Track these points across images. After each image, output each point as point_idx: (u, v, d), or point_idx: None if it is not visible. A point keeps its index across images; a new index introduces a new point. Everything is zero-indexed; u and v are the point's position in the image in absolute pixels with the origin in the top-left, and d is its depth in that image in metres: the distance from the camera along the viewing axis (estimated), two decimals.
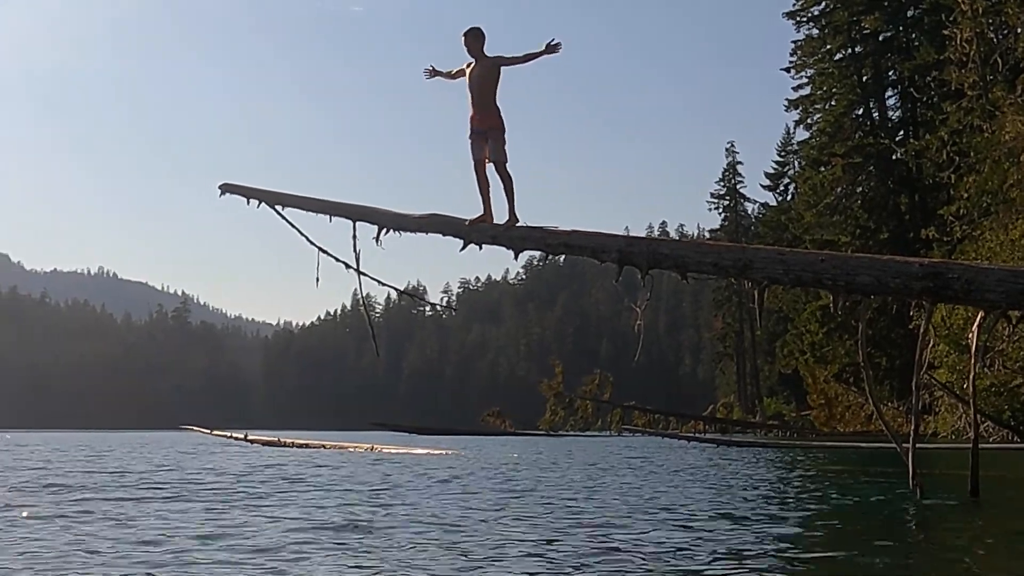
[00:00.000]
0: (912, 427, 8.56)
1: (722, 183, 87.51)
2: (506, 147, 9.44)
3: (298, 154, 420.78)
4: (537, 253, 9.10)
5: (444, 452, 24.69)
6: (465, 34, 10.32)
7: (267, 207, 8.97)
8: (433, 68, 10.48)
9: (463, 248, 8.47)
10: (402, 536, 6.40)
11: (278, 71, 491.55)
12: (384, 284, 9.07)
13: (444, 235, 8.51)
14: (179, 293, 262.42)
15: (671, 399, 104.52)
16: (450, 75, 10.48)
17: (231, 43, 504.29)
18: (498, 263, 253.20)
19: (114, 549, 5.98)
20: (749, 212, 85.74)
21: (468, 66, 10.16)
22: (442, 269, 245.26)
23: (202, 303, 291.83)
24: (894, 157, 52.03)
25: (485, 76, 9.82)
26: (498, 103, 9.81)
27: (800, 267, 7.90)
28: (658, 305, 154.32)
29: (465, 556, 5.43)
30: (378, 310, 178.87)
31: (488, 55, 10.42)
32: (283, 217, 8.92)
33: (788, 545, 6.31)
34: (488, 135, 9.58)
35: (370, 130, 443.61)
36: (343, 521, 7.38)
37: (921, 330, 8.23)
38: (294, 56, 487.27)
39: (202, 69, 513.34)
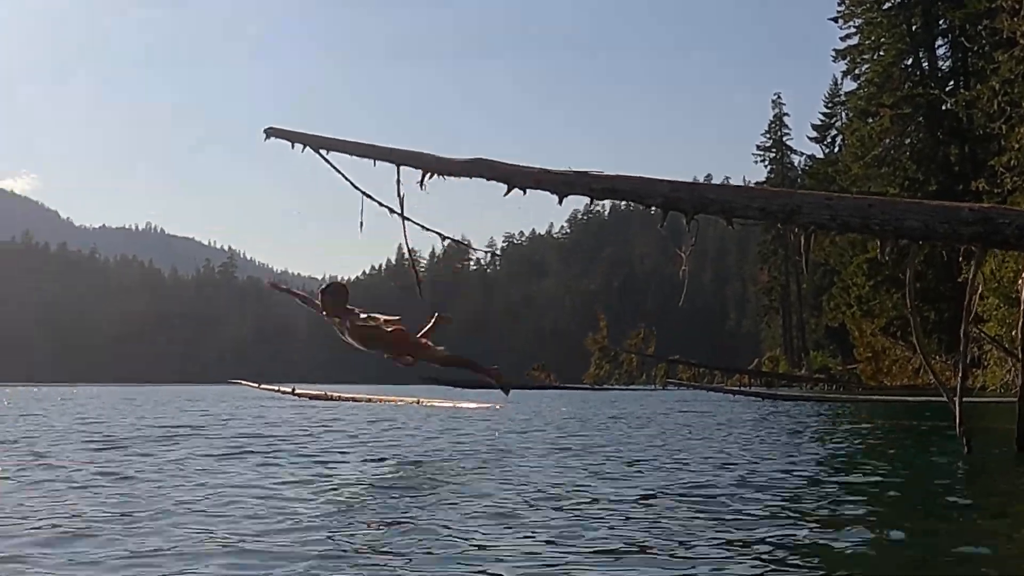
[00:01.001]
0: (959, 377, 8.43)
1: (768, 135, 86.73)
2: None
3: (341, 108, 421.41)
4: (581, 207, 9.05)
5: (493, 405, 24.78)
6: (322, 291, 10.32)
7: (311, 151, 8.95)
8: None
9: (507, 192, 8.41)
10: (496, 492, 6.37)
11: (323, 22, 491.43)
12: (428, 229, 9.05)
13: (487, 179, 8.45)
14: (226, 248, 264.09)
15: (716, 353, 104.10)
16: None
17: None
18: (542, 217, 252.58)
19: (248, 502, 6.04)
20: (795, 164, 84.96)
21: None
22: (486, 224, 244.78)
23: (248, 258, 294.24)
24: (944, 107, 51.27)
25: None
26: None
27: (848, 212, 7.80)
28: (703, 259, 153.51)
29: (568, 515, 5.33)
30: (423, 264, 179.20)
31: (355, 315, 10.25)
32: (327, 161, 8.92)
33: (833, 498, 6.27)
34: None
35: (399, 87, 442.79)
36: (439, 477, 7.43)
37: (970, 277, 8.10)
38: (334, 9, 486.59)
39: (243, 22, 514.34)
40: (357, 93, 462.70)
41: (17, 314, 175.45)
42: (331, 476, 7.46)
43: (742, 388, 42.28)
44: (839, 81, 71.66)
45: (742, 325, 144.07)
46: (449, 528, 5.02)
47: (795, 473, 7.62)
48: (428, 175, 8.63)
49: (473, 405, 24.69)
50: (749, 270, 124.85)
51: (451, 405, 25.48)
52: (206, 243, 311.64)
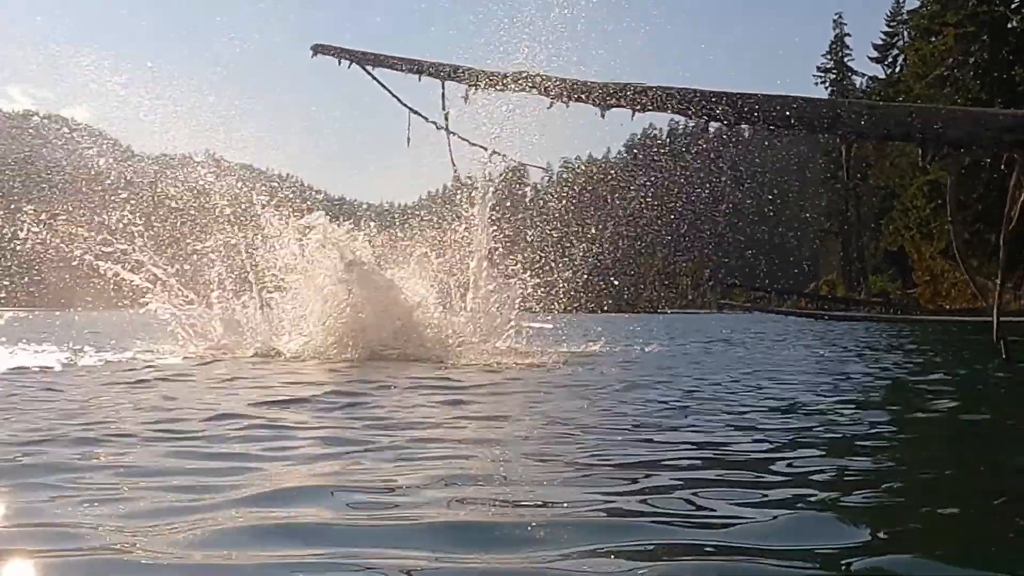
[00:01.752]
0: (998, 284, 8.45)
1: (829, 56, 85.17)
2: None
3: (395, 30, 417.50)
4: (639, 131, 9.10)
5: (551, 326, 24.94)
6: None
7: (358, 68, 9.10)
8: None
9: (550, 105, 8.52)
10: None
11: None
12: (473, 144, 9.18)
13: (529, 91, 8.55)
14: (284, 175, 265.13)
15: (773, 277, 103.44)
16: None
17: None
18: (599, 141, 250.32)
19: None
20: (857, 86, 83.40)
21: None
22: (542, 151, 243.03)
23: (306, 184, 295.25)
24: (1009, 25, 50.03)
25: None
26: None
27: (889, 120, 7.82)
28: (761, 183, 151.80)
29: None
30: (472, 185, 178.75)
31: None
32: (374, 77, 9.06)
33: (874, 416, 6.34)
34: None
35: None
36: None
37: (1011, 185, 8.10)
38: None
39: None
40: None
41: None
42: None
43: (797, 310, 42.21)
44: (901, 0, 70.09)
45: (801, 250, 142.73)
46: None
47: (838, 392, 7.70)
48: (472, 89, 8.75)
49: (535, 325, 24.87)
50: (808, 193, 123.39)
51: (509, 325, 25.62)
52: (264, 169, 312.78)
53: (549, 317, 28.15)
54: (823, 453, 4.37)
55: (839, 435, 4.97)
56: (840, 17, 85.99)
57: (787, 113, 7.96)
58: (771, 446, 4.55)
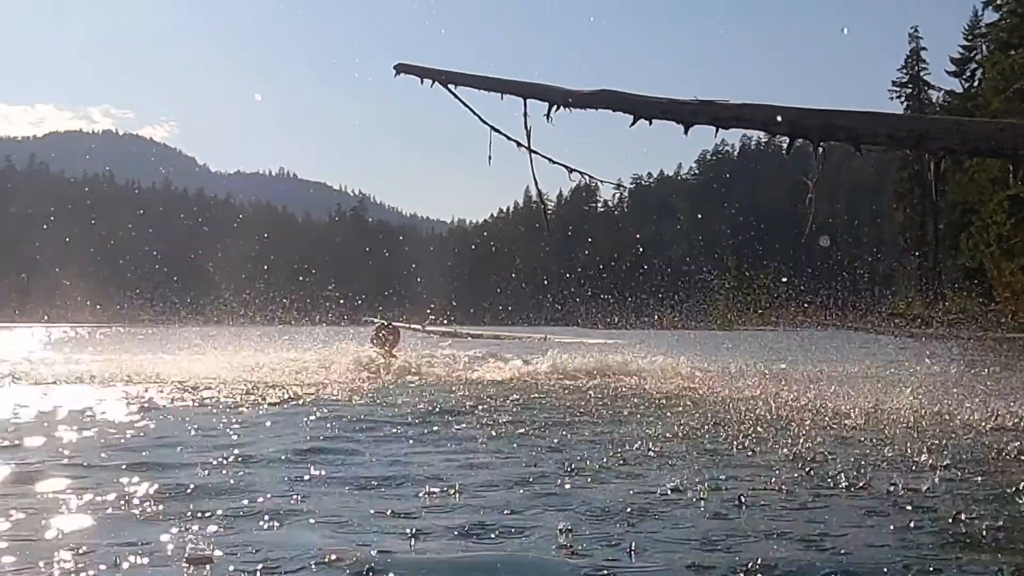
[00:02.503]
0: None
1: (905, 70, 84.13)
2: None
3: (461, 45, 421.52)
4: (710, 148, 9.06)
5: (619, 343, 24.95)
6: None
7: (440, 87, 9.13)
8: None
9: (633, 123, 8.48)
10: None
11: None
12: (555, 162, 9.18)
13: (614, 111, 8.52)
14: (356, 192, 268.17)
15: (849, 294, 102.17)
16: None
17: None
18: (670, 158, 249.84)
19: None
20: (933, 100, 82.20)
21: None
22: (614, 167, 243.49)
23: (378, 202, 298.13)
24: None
25: None
26: None
27: (978, 136, 7.67)
28: (837, 199, 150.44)
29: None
30: (551, 207, 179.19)
31: None
32: (456, 96, 9.08)
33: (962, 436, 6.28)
34: None
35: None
36: None
37: None
38: None
39: None
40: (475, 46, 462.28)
41: (159, 256, 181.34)
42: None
43: (875, 327, 41.61)
44: (980, 12, 68.97)
45: (877, 266, 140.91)
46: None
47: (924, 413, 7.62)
48: (555, 107, 8.73)
49: (600, 341, 24.89)
50: (884, 210, 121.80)
51: (577, 341, 25.72)
52: (337, 187, 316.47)
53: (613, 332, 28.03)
54: None
55: None
56: (916, 31, 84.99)
57: (876, 130, 7.86)
58: None
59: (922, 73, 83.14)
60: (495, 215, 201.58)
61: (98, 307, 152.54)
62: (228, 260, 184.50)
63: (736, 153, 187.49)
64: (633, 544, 3.58)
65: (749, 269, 77.47)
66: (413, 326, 39.05)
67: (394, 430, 6.55)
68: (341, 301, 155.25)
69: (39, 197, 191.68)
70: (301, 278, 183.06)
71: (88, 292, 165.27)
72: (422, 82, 9.14)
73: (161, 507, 4.00)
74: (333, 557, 3.34)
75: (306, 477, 4.97)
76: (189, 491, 4.44)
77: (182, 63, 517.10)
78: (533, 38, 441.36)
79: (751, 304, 68.00)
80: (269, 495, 4.35)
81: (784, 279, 71.87)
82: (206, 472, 5.00)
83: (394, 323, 45.29)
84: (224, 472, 5.01)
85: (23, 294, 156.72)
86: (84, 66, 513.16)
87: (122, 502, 4.20)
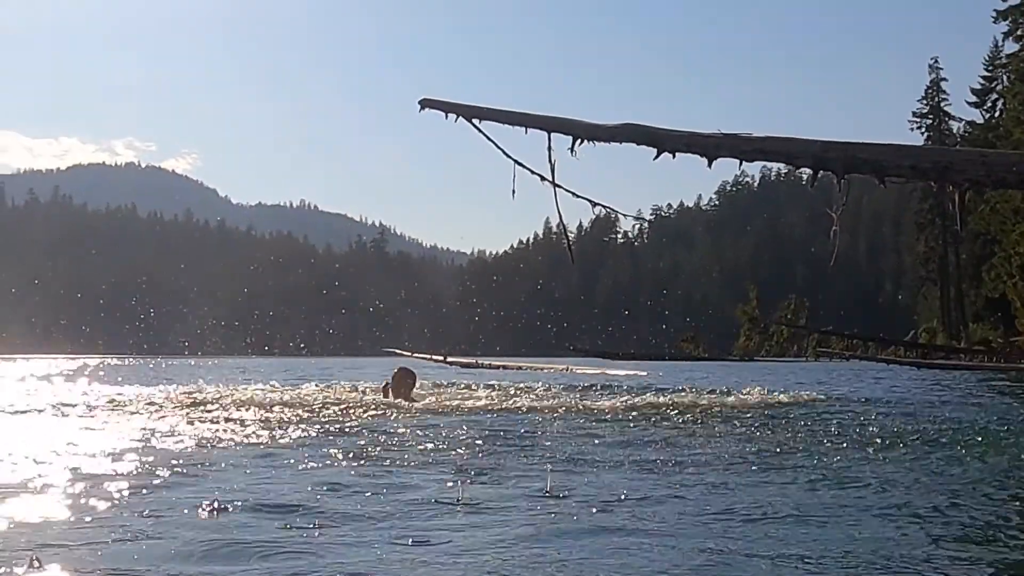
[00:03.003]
0: None
1: (925, 101, 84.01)
2: None
3: (495, 80, 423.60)
4: (730, 178, 9.08)
5: (644, 373, 24.89)
6: None
7: (464, 121, 9.20)
8: None
9: (656, 156, 8.52)
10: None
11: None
12: (579, 196, 9.22)
13: (638, 144, 8.57)
14: (377, 224, 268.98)
15: (870, 326, 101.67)
16: None
17: None
18: (690, 189, 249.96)
19: None
20: (954, 131, 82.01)
21: None
22: (634, 197, 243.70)
23: (399, 233, 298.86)
24: None
25: None
26: None
27: (1003, 167, 7.70)
28: (857, 230, 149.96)
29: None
30: (571, 238, 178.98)
31: None
32: (480, 131, 9.14)
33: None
34: None
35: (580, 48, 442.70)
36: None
37: None
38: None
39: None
40: (499, 70, 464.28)
41: (180, 288, 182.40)
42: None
43: (897, 358, 41.41)
44: (1000, 43, 68.89)
45: (898, 297, 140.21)
46: None
47: (950, 447, 7.59)
48: (578, 141, 8.79)
49: (622, 373, 24.85)
50: (905, 240, 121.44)
51: (600, 372, 25.68)
52: (358, 219, 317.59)
53: (633, 364, 27.96)
54: None
55: None
56: (936, 62, 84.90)
57: (899, 161, 7.88)
58: None
59: (943, 104, 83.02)
60: (515, 246, 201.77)
61: (102, 341, 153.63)
62: (249, 291, 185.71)
63: (756, 184, 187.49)
64: None
65: (770, 300, 77.08)
66: (434, 357, 39.07)
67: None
68: (375, 332, 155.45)
69: (62, 229, 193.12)
70: (321, 309, 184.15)
71: (117, 322, 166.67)
72: (446, 116, 9.22)
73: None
74: None
75: None
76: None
77: (204, 96, 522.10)
78: (560, 73, 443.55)
79: (773, 335, 67.75)
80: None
81: (806, 309, 71.74)
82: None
83: (416, 354, 45.36)
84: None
85: (48, 325, 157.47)
86: (108, 99, 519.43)
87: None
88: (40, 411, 11.36)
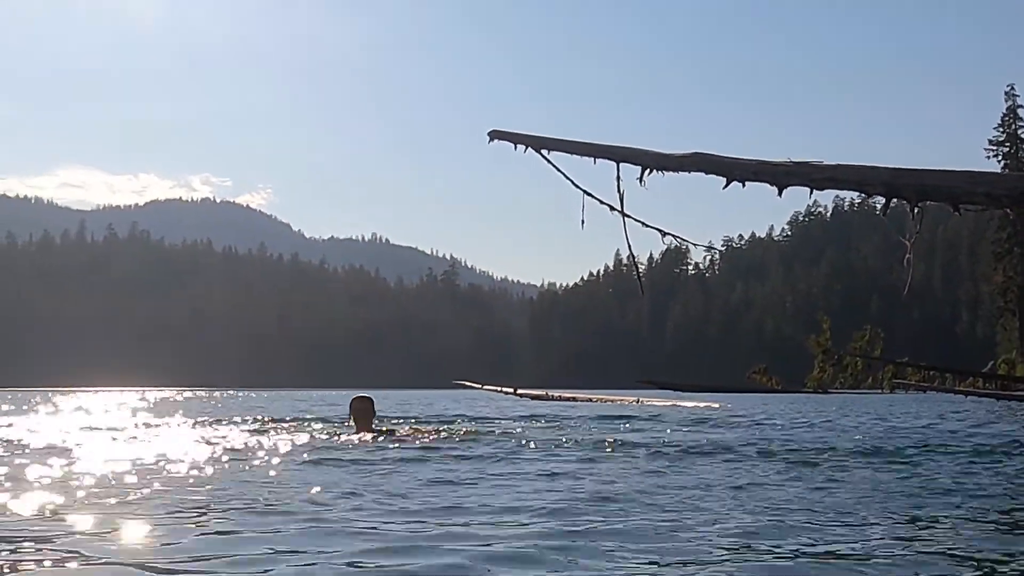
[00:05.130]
0: None
1: (1001, 129, 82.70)
2: None
3: (570, 113, 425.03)
4: (803, 209, 9.00)
5: (716, 405, 24.68)
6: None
7: (533, 152, 9.25)
8: None
9: (726, 186, 8.49)
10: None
11: (547, 26, 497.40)
12: (648, 226, 9.20)
13: (707, 174, 8.54)
14: (447, 257, 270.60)
15: (947, 357, 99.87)
16: None
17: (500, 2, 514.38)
18: (762, 220, 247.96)
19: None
20: None
21: None
22: (705, 228, 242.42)
23: (469, 266, 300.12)
24: None
25: None
26: None
27: None
28: (932, 260, 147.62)
29: None
30: (641, 269, 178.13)
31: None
32: (549, 161, 9.19)
33: None
34: None
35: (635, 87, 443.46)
36: None
37: None
38: (561, 17, 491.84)
39: (459, 33, 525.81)
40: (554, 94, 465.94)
41: (256, 322, 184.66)
42: None
43: (976, 390, 40.60)
44: None
45: (975, 328, 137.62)
46: None
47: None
48: (647, 171, 8.79)
49: (690, 404, 24.67)
50: (982, 270, 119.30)
51: (671, 404, 25.53)
52: (429, 252, 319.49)
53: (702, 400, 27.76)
54: None
55: None
56: (1012, 89, 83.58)
57: (974, 189, 7.78)
58: None
59: (1019, 131, 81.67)
60: (585, 278, 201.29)
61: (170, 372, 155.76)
62: (322, 323, 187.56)
63: (829, 214, 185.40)
64: None
65: (843, 331, 76.02)
66: (505, 389, 39.08)
67: None
68: (446, 364, 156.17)
69: (140, 264, 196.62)
70: (393, 341, 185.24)
71: (195, 356, 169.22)
72: (515, 148, 9.28)
73: None
74: None
75: None
76: None
77: (278, 132, 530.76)
78: (628, 105, 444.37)
79: (847, 367, 66.78)
80: None
81: (881, 340, 70.74)
82: None
83: (487, 386, 45.31)
84: None
85: (124, 357, 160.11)
86: (186, 136, 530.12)
87: None
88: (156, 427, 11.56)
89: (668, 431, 12.95)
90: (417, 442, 10.47)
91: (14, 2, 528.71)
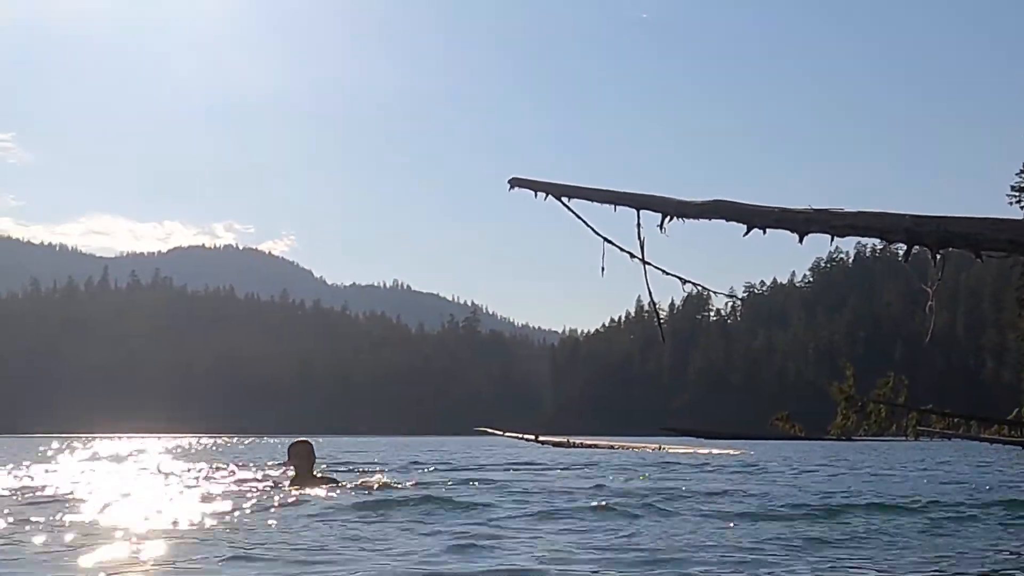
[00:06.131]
0: None
1: (1023, 175, 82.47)
2: None
3: (591, 158, 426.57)
4: (824, 255, 8.96)
5: (737, 452, 24.55)
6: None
7: (553, 200, 9.25)
8: None
9: (747, 233, 8.46)
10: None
11: (574, 75, 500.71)
12: (669, 273, 9.17)
13: (727, 220, 8.51)
14: (469, 303, 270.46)
15: (972, 404, 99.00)
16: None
17: (521, 53, 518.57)
18: (784, 266, 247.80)
19: None
20: None
21: None
22: (726, 275, 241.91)
23: (491, 312, 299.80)
24: None
25: None
26: None
27: None
28: (955, 308, 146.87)
29: None
30: (663, 316, 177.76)
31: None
32: (570, 209, 9.17)
33: None
34: None
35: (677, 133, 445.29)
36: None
37: None
38: (593, 62, 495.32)
39: (488, 79, 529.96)
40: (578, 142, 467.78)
41: (277, 368, 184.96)
42: None
43: (1002, 437, 40.23)
44: None
45: (1001, 375, 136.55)
46: None
47: None
48: (668, 218, 8.76)
49: (712, 451, 24.54)
50: (1007, 317, 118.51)
51: (691, 451, 25.41)
52: (450, 298, 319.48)
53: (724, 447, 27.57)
54: None
55: None
56: None
57: (996, 236, 7.73)
58: None
59: None
60: (606, 325, 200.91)
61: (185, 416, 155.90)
62: (344, 369, 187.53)
63: (851, 260, 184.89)
64: None
65: (867, 378, 75.53)
66: (526, 436, 39.00)
67: None
68: (467, 411, 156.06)
69: (162, 310, 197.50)
70: (414, 388, 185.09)
71: (218, 401, 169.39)
72: (535, 195, 9.26)
73: None
74: None
75: None
76: None
77: (302, 181, 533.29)
78: (648, 151, 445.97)
79: (870, 414, 66.26)
80: None
81: (906, 387, 70.26)
82: None
83: (508, 433, 45.13)
84: None
85: (152, 404, 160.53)
86: (209, 184, 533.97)
87: None
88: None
89: (686, 479, 12.87)
90: (353, 493, 10.23)
91: (43, 52, 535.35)
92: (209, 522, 7.66)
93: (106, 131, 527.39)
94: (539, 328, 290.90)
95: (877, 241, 9.06)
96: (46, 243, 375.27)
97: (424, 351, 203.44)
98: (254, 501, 9.36)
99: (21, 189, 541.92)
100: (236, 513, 8.25)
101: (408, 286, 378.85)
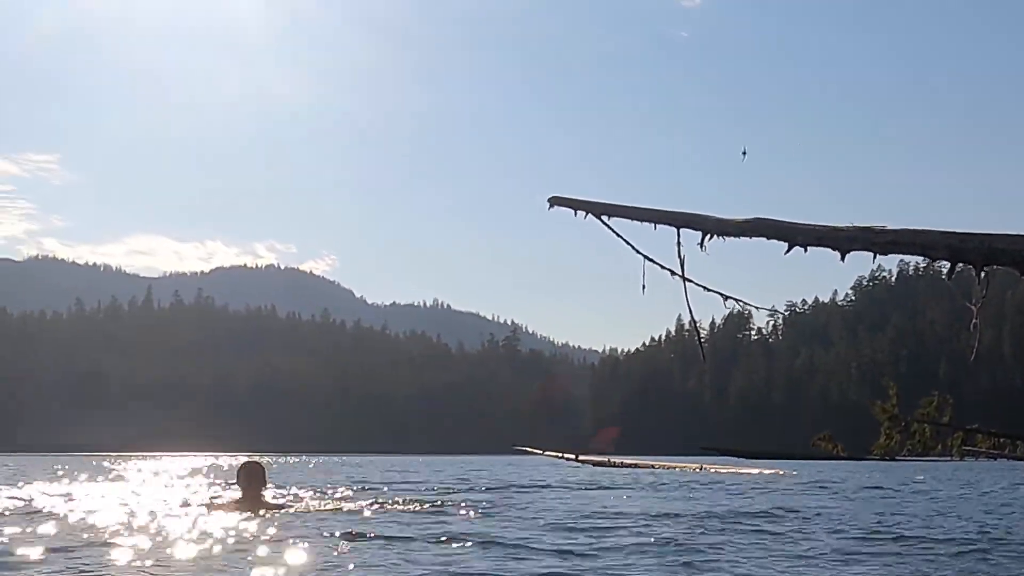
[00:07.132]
0: None
1: None
2: None
3: (624, 178, 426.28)
4: (867, 273, 8.88)
5: (776, 471, 24.35)
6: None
7: (593, 218, 9.24)
8: None
9: (788, 251, 8.40)
10: None
11: (602, 95, 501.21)
12: (709, 290, 9.14)
13: (768, 238, 8.45)
14: (509, 323, 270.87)
15: (1018, 423, 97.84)
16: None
17: (559, 71, 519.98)
18: (826, 285, 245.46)
19: None
20: None
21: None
22: (768, 293, 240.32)
23: (530, 331, 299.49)
24: None
25: None
26: None
27: None
28: (1001, 327, 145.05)
29: None
30: (703, 335, 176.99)
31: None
32: (609, 227, 9.16)
33: None
34: None
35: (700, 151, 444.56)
36: None
37: None
38: (621, 81, 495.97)
39: (524, 98, 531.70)
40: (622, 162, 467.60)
41: (318, 387, 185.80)
42: None
43: None
44: None
45: None
46: None
47: None
48: (708, 236, 8.72)
49: (755, 471, 24.36)
50: None
51: (733, 471, 25.24)
52: (490, 317, 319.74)
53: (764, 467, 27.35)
54: None
55: None
56: None
57: None
58: None
59: None
60: (647, 343, 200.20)
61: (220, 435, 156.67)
62: (384, 388, 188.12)
63: (894, 278, 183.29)
64: None
65: (910, 397, 74.81)
66: (566, 456, 38.94)
67: None
68: (506, 430, 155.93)
69: (204, 330, 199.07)
70: (454, 407, 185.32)
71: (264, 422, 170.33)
72: (575, 214, 9.26)
73: None
74: None
75: None
76: None
77: (344, 201, 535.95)
78: (688, 170, 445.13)
79: (915, 433, 65.60)
80: None
81: (950, 406, 69.52)
82: None
83: (547, 452, 45.04)
84: None
85: (194, 423, 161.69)
86: (251, 204, 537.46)
87: None
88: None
89: (725, 498, 12.77)
90: (297, 519, 10.08)
91: (86, 73, 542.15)
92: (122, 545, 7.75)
93: (149, 151, 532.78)
94: (579, 347, 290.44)
95: (920, 259, 9.00)
96: (90, 263, 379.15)
97: (464, 370, 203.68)
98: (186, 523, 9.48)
99: (66, 210, 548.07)
100: (159, 539, 8.34)
101: (448, 305, 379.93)
